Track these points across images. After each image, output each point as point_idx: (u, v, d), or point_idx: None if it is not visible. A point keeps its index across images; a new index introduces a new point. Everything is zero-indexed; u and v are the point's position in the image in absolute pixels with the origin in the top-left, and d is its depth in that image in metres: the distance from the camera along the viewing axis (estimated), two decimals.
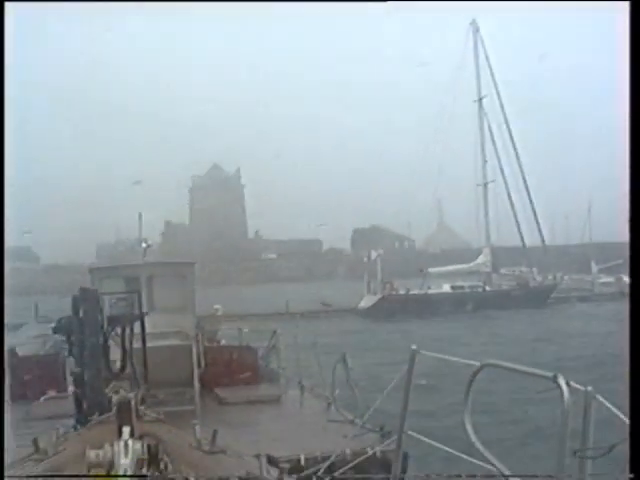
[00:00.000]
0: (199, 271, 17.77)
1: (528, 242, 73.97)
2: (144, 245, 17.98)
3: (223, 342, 19.97)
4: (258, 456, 7.22)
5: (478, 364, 6.07)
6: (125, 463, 5.28)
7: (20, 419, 14.26)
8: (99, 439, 5.88)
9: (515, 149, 71.31)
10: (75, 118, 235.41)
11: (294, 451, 10.98)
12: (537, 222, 72.74)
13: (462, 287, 68.12)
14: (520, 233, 72.53)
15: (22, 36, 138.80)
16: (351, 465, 10.26)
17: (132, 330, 11.72)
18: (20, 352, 18.08)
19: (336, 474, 9.62)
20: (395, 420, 7.44)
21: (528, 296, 66.41)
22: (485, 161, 73.10)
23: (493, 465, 5.74)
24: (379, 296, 64.60)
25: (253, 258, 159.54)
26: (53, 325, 12.30)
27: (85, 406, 10.03)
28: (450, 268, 74.90)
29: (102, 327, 10.67)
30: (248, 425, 13.50)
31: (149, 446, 5.73)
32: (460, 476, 5.23)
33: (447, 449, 6.93)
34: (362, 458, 10.57)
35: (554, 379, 5.09)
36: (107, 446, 5.42)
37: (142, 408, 7.77)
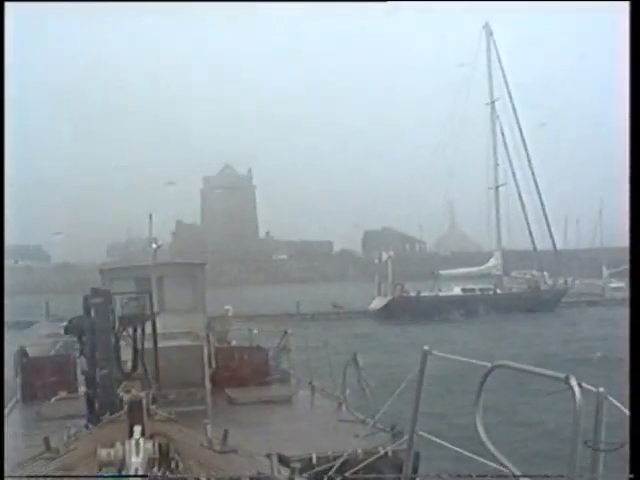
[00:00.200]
0: (209, 271, 17.77)
1: (539, 246, 73.68)
2: (154, 246, 17.98)
3: (234, 343, 20.01)
4: (269, 455, 7.23)
5: (489, 365, 6.07)
6: (136, 462, 5.28)
7: (31, 419, 14.31)
8: (110, 438, 5.89)
9: (527, 152, 71.11)
10: (75, 118, 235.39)
11: (306, 451, 11.01)
12: (548, 226, 72.50)
13: (473, 290, 67.88)
14: (531, 236, 72.21)
15: (22, 36, 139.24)
16: (363, 465, 10.26)
17: (143, 330, 11.75)
18: (31, 352, 18.12)
19: (347, 473, 9.61)
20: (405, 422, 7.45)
21: (538, 300, 66.21)
22: (497, 164, 72.90)
23: (504, 466, 5.75)
24: (389, 298, 64.49)
25: (264, 259, 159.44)
26: (64, 325, 12.35)
27: (97, 406, 10.07)
28: (461, 271, 74.71)
29: (113, 327, 10.70)
30: (259, 425, 13.53)
31: (160, 445, 5.73)
32: (471, 476, 5.23)
33: (458, 449, 6.93)
34: (374, 458, 10.58)
35: (566, 380, 5.09)
36: (118, 445, 5.41)
37: (153, 407, 7.80)
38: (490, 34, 74.75)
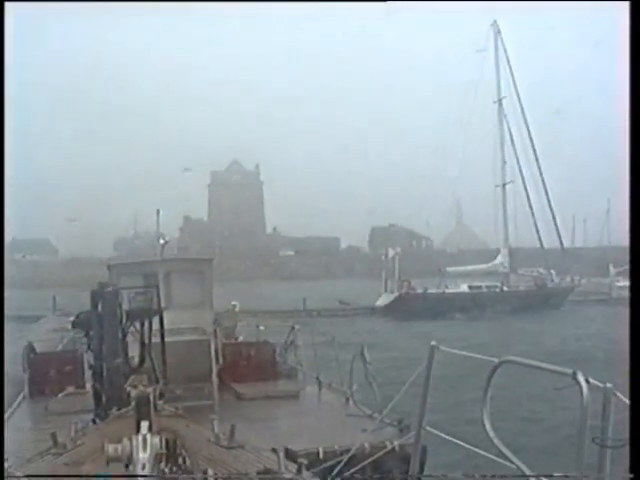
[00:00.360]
0: (216, 267, 17.78)
1: (546, 244, 73.57)
2: (162, 241, 17.98)
3: (241, 339, 20.03)
4: (276, 451, 7.23)
5: (497, 360, 6.06)
6: (143, 457, 5.28)
7: (39, 414, 14.33)
8: (117, 433, 5.89)
9: (534, 150, 71.01)
10: (75, 118, 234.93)
11: (313, 445, 11.02)
12: (555, 224, 72.43)
13: (480, 287, 67.82)
14: (538, 234, 72.08)
15: (22, 36, 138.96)
16: (372, 459, 10.25)
17: (150, 325, 11.75)
18: (39, 348, 18.16)
19: (354, 469, 9.60)
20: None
21: (545, 297, 66.16)
22: (504, 162, 72.82)
23: (512, 462, 5.74)
24: (396, 294, 64.50)
25: (271, 255, 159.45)
26: (72, 319, 12.36)
27: (104, 400, 10.08)
28: (468, 268, 74.62)
29: (121, 322, 10.71)
30: (266, 420, 13.53)
31: (167, 441, 5.74)
32: (476, 476, 5.22)
33: (465, 445, 6.92)
34: (382, 452, 10.57)
35: (573, 376, 5.08)
36: (125, 440, 5.41)
37: (160, 403, 7.80)
38: (498, 32, 74.73)
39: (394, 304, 62.93)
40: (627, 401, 5.12)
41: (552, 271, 71.89)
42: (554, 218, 71.76)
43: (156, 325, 12.17)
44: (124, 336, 10.81)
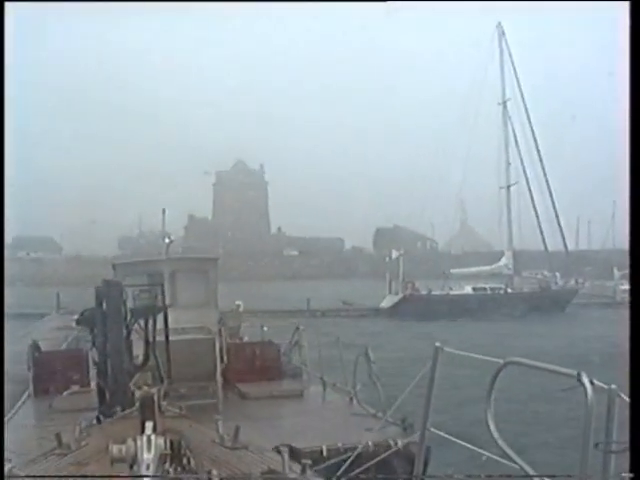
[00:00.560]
0: (220, 266, 17.76)
1: (551, 246, 73.56)
2: (167, 241, 17.97)
3: (246, 339, 20.04)
4: (280, 452, 7.20)
5: (501, 361, 6.04)
6: (148, 458, 5.27)
7: (43, 412, 14.33)
8: (122, 434, 5.88)
9: (539, 152, 70.98)
10: (76, 118, 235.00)
11: (317, 444, 11.01)
12: (560, 226, 72.38)
13: (484, 289, 67.84)
14: (542, 237, 72.10)
15: (22, 36, 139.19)
16: (376, 460, 10.22)
17: (155, 322, 11.73)
18: (44, 347, 18.15)
19: (359, 470, 9.57)
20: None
21: (549, 300, 66.08)
22: (508, 163, 72.80)
23: (515, 463, 5.72)
24: (400, 296, 64.51)
25: (275, 255, 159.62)
26: (76, 317, 12.34)
27: (108, 397, 10.06)
28: (472, 270, 74.72)
29: (125, 319, 10.68)
30: (271, 419, 13.53)
31: (172, 441, 5.73)
32: (480, 476, 5.19)
33: (469, 446, 6.90)
34: (387, 454, 10.53)
35: (578, 377, 5.07)
36: (130, 441, 5.40)
37: (164, 404, 7.78)
38: (502, 34, 74.69)
39: (398, 306, 62.95)
40: (628, 399, 5.10)
41: (557, 274, 71.85)
42: (558, 220, 71.77)
43: (161, 324, 12.17)
44: (128, 333, 10.79)
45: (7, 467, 6.68)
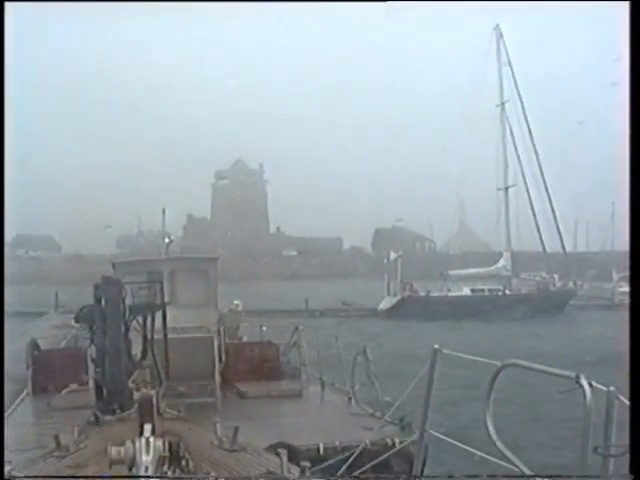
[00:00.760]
0: (219, 266, 17.78)
1: (549, 248, 73.58)
2: (167, 240, 17.98)
3: (245, 339, 20.04)
4: (279, 454, 7.19)
5: (499, 364, 6.05)
6: (146, 460, 5.27)
7: (41, 410, 14.34)
8: (120, 436, 5.88)
9: (536, 154, 71.01)
10: (75, 118, 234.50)
11: (315, 443, 11.02)
12: (558, 228, 72.37)
13: (482, 290, 67.94)
14: (541, 238, 72.08)
15: (22, 36, 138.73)
16: (373, 458, 10.20)
17: (153, 319, 11.72)
18: (42, 345, 18.15)
19: (359, 471, 9.57)
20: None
21: (547, 301, 66.13)
22: (506, 165, 72.85)
23: (514, 464, 5.73)
24: (399, 297, 64.53)
25: (274, 254, 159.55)
26: (74, 314, 12.33)
27: (105, 394, 10.06)
28: (470, 271, 74.83)
29: (124, 316, 10.67)
30: (269, 418, 13.53)
31: (170, 444, 5.72)
32: (480, 476, 5.20)
33: (468, 448, 6.90)
34: (387, 454, 10.53)
35: (577, 379, 5.08)
36: (128, 443, 5.40)
37: (163, 405, 7.77)
38: (500, 36, 74.73)
39: (397, 307, 62.99)
40: (627, 401, 5.10)
41: (555, 275, 71.89)
42: (556, 222, 71.78)
43: (159, 323, 12.16)
44: (127, 330, 10.78)
45: (7, 469, 6.68)
